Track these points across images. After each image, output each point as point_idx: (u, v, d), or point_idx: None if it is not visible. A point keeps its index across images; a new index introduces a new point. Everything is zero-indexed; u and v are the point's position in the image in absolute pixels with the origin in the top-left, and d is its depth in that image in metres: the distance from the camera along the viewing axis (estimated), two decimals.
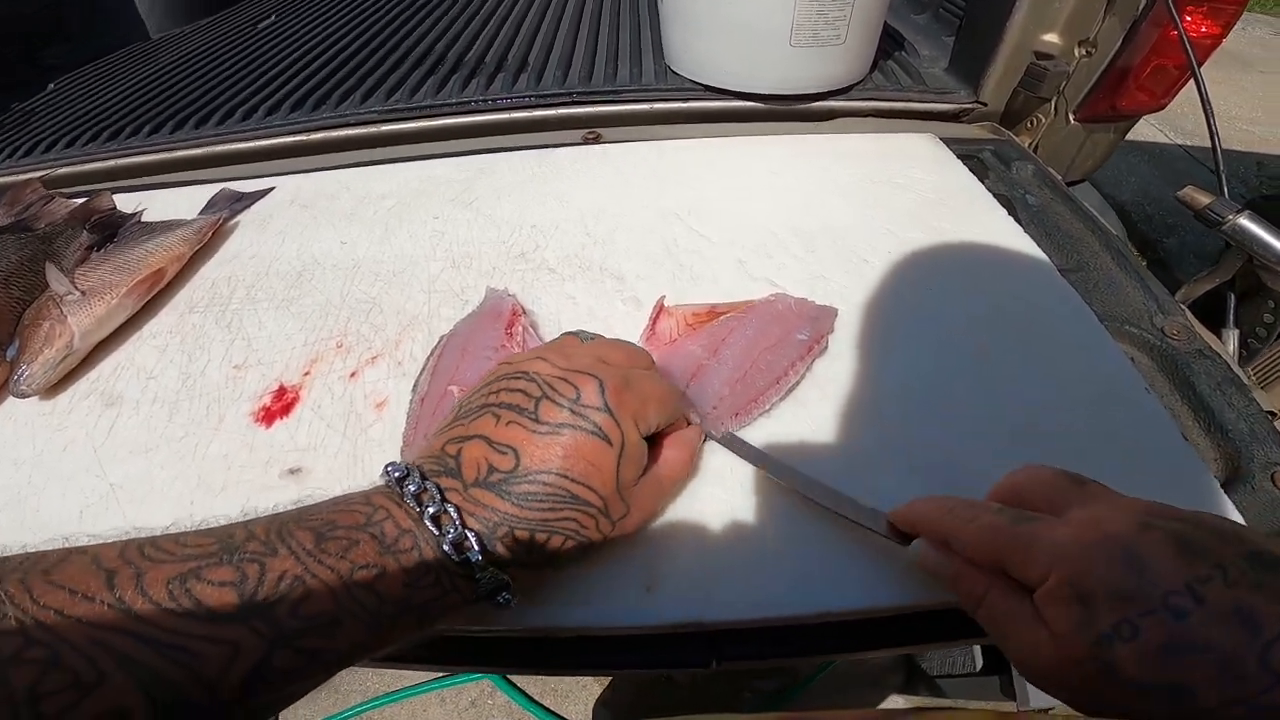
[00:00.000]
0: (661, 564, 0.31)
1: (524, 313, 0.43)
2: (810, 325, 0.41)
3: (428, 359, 0.40)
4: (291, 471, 0.37)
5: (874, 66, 0.81)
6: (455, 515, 0.25)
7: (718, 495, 0.34)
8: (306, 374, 0.42)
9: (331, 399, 0.40)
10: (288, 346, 0.43)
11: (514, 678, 1.08)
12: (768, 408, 0.37)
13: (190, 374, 0.43)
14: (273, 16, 1.11)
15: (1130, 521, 0.22)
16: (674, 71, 0.79)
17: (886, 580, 0.30)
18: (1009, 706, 0.85)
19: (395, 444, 0.37)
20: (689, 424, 0.34)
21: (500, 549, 0.25)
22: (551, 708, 1.10)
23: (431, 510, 0.24)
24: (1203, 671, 0.19)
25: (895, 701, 1.11)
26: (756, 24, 0.67)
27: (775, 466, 0.34)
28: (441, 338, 0.41)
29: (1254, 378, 0.53)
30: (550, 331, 0.43)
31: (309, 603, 0.21)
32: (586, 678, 1.13)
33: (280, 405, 0.40)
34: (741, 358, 0.38)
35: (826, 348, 0.41)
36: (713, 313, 0.41)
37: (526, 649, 0.33)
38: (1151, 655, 0.20)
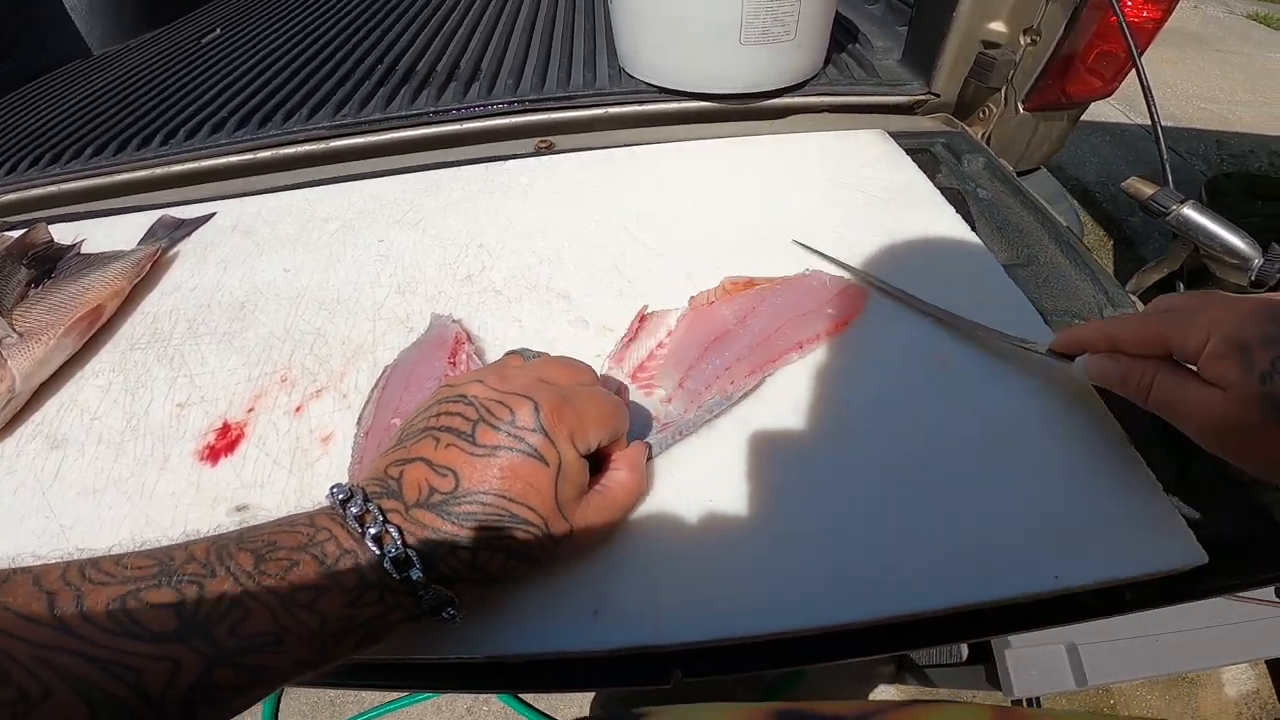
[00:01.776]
0: (610, 587, 0.31)
1: (469, 339, 0.42)
2: (842, 303, 0.42)
3: (372, 391, 0.39)
4: (239, 509, 0.36)
5: (828, 61, 0.81)
6: (397, 535, 0.25)
7: (666, 517, 0.34)
8: (250, 410, 0.41)
9: (277, 435, 0.39)
10: (231, 382, 0.42)
11: None
12: (782, 367, 0.39)
13: (134, 413, 0.42)
14: (218, 30, 1.08)
15: (1268, 295, 0.28)
16: (628, 74, 0.78)
17: (835, 599, 0.30)
18: (995, 695, 0.87)
19: (342, 478, 0.36)
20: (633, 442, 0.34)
21: (443, 567, 0.26)
22: (547, 711, 1.10)
23: (374, 531, 0.25)
24: None
25: (887, 691, 1.13)
26: (705, 22, 0.67)
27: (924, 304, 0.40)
28: (386, 368, 0.40)
29: None
30: (496, 356, 0.42)
31: (248, 623, 0.21)
32: None
33: (225, 443, 0.40)
34: (767, 324, 0.40)
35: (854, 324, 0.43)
36: (750, 283, 0.44)
37: (484, 670, 0.32)
38: None
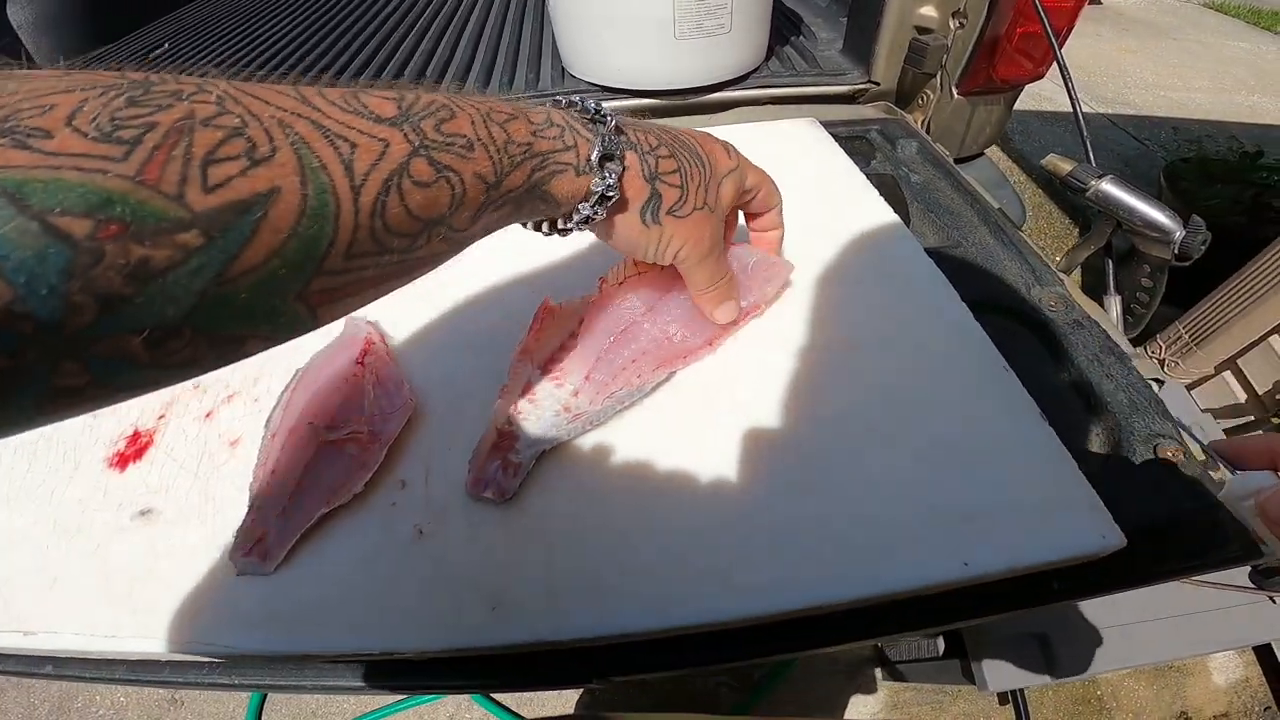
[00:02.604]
0: (508, 584, 0.30)
1: (381, 339, 0.41)
2: (758, 289, 0.41)
3: (281, 394, 0.39)
4: (142, 513, 0.36)
5: (770, 54, 0.81)
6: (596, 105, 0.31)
7: (565, 509, 0.33)
8: (161, 417, 0.40)
9: (185, 440, 0.39)
10: None
11: None
12: (690, 364, 0.39)
13: None
14: (166, 44, 1.07)
15: None
16: (571, 74, 0.79)
17: (736, 594, 0.30)
18: (968, 688, 0.86)
19: (248, 479, 0.36)
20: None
21: (625, 130, 0.31)
22: (528, 716, 1.09)
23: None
24: None
25: (870, 698, 1.13)
26: (639, 19, 0.67)
27: None
28: (297, 371, 0.40)
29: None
30: (416, 354, 0.42)
31: (452, 123, 0.23)
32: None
33: (134, 449, 0.39)
34: (677, 317, 0.39)
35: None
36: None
37: (396, 668, 0.32)
38: None
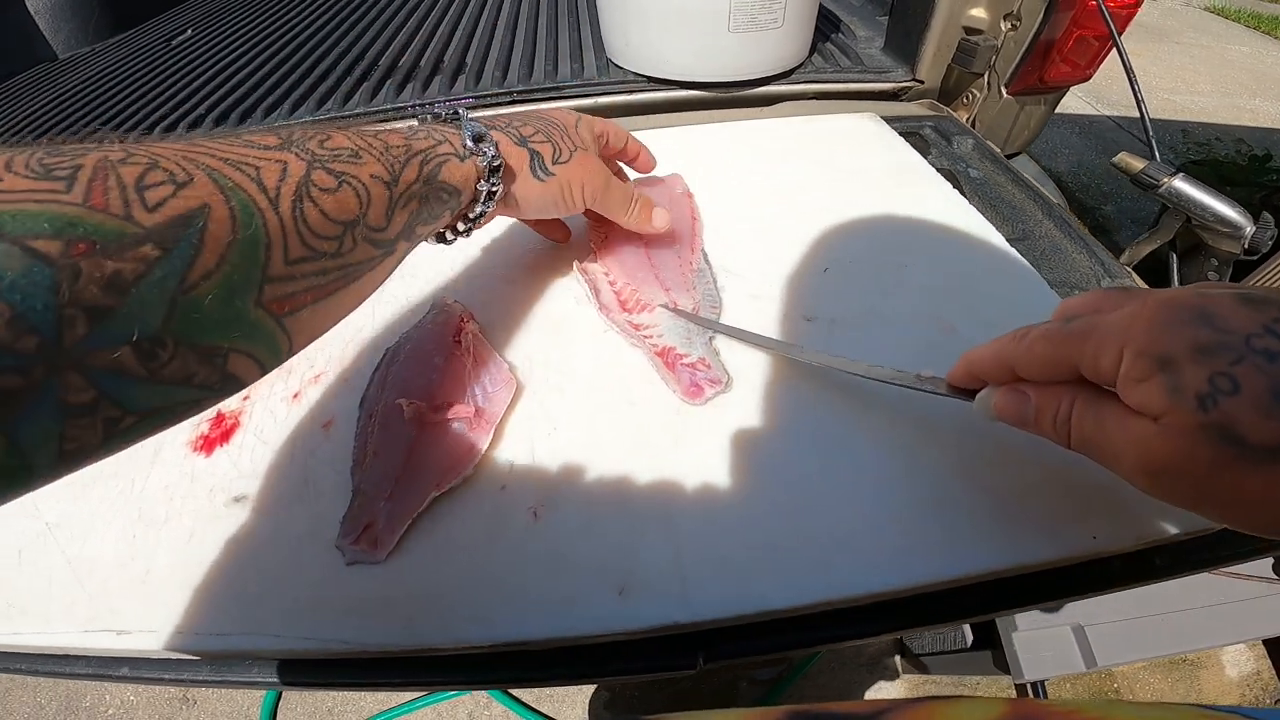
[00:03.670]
0: (634, 567, 0.30)
1: (473, 319, 0.41)
2: (670, 204, 0.48)
3: (374, 373, 0.38)
4: (236, 499, 0.35)
5: (813, 50, 0.81)
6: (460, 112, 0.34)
7: (687, 493, 0.33)
8: (246, 398, 0.39)
9: (274, 422, 0.38)
10: None
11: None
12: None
13: None
14: (189, 30, 1.06)
15: (1183, 290, 0.22)
16: (616, 65, 0.78)
17: (872, 566, 0.30)
18: (1003, 680, 0.87)
19: (346, 463, 0.35)
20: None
21: (492, 131, 0.34)
22: (549, 713, 1.08)
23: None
24: None
25: (894, 685, 1.13)
26: (693, 10, 0.67)
27: (812, 355, 0.36)
28: (387, 350, 0.39)
29: None
30: (501, 336, 0.41)
31: (331, 140, 0.26)
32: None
33: (220, 432, 0.38)
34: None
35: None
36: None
37: (505, 661, 0.31)
38: (1267, 407, 0.18)
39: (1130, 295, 0.24)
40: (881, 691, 1.13)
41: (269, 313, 0.22)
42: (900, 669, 1.14)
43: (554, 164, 0.37)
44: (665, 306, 0.41)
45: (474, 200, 0.34)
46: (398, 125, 0.31)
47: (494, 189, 0.34)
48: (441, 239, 0.35)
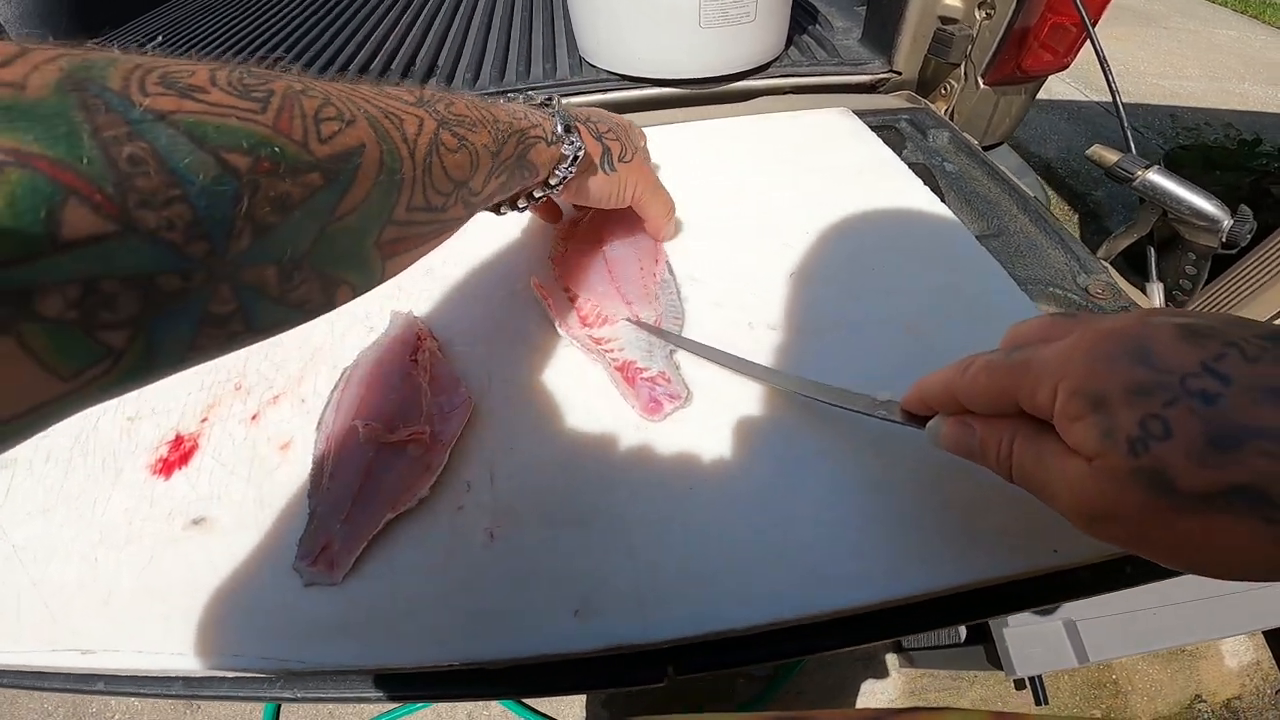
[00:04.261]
0: (592, 586, 0.30)
1: (431, 336, 0.40)
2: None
3: (332, 393, 0.37)
4: (195, 522, 0.35)
5: (789, 43, 0.80)
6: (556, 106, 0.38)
7: (646, 511, 0.32)
8: (204, 420, 0.39)
9: (232, 444, 0.37)
10: (183, 393, 0.40)
11: None
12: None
13: (82, 430, 0.40)
14: (160, 37, 1.04)
15: (1127, 318, 0.21)
16: (589, 64, 0.77)
17: (832, 583, 0.29)
18: (999, 675, 0.87)
19: (304, 484, 0.35)
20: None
21: (577, 125, 0.38)
22: (548, 713, 1.08)
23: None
24: (1267, 462, 0.16)
25: (888, 683, 1.13)
26: (664, 6, 0.66)
27: (771, 374, 0.37)
28: (345, 369, 0.39)
29: None
30: (460, 352, 0.41)
31: (455, 106, 0.28)
32: None
33: (178, 455, 0.38)
34: (621, 230, 0.47)
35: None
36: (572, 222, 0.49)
37: (464, 678, 0.31)
38: (1199, 453, 0.17)
39: (1074, 324, 0.23)
40: (876, 686, 1.14)
41: (380, 251, 0.24)
42: (895, 665, 1.14)
43: (619, 161, 0.40)
44: (628, 319, 0.41)
45: (544, 182, 0.36)
46: (503, 102, 0.34)
47: (568, 175, 0.36)
48: (496, 210, 0.38)
